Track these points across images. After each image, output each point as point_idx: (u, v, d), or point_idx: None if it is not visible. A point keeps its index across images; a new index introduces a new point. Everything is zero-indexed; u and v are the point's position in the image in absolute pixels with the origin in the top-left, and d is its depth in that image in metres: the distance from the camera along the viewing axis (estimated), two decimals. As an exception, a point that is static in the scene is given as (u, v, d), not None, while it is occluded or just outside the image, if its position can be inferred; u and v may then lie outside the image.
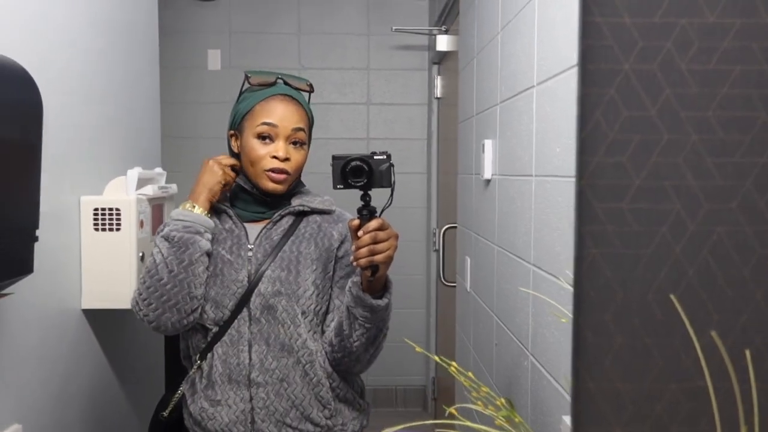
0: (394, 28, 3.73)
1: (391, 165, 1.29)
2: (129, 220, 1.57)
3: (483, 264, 2.13)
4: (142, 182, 1.67)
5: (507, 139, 1.82)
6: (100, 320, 1.68)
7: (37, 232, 1.08)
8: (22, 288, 1.33)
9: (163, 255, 1.33)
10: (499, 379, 1.87)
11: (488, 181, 2.04)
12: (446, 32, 3.34)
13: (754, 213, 0.62)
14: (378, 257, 1.24)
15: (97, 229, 1.57)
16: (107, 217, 1.57)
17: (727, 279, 0.63)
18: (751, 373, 0.56)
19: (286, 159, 1.39)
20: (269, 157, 1.38)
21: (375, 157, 1.28)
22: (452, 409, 0.80)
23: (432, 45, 3.69)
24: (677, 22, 0.61)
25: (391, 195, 1.30)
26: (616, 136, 0.64)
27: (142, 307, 1.33)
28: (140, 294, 1.34)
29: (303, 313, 1.37)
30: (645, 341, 0.64)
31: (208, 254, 1.36)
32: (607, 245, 0.64)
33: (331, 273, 1.43)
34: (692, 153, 0.64)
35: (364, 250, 1.24)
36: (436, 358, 0.84)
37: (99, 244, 1.56)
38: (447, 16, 3.25)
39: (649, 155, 0.64)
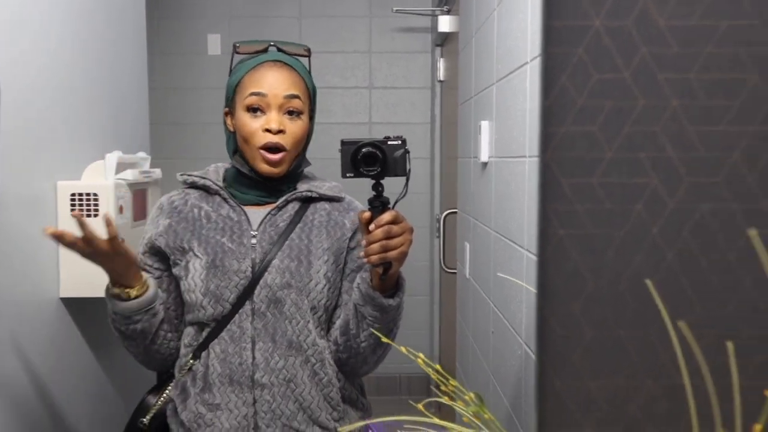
0: (395, 9, 3.64)
1: (407, 151, 1.16)
2: (107, 206, 1.52)
3: (480, 250, 2.07)
4: (123, 166, 1.62)
5: (503, 119, 1.75)
6: (82, 309, 1.64)
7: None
8: (-8, 276, 1.28)
9: (123, 342, 1.31)
10: (495, 369, 1.81)
11: (485, 164, 1.97)
12: (448, 12, 3.25)
13: (742, 188, 0.55)
14: (391, 254, 1.12)
15: (74, 215, 1.52)
16: (84, 202, 1.51)
17: (711, 263, 0.56)
18: (733, 368, 0.49)
19: (280, 131, 1.25)
20: (261, 131, 1.24)
21: (389, 143, 1.15)
22: (420, 405, 0.74)
23: (434, 26, 3.61)
24: (655, -28, 0.54)
25: (406, 184, 1.16)
26: (586, 103, 0.57)
27: (124, 348, 1.33)
28: (119, 338, 1.31)
29: (313, 308, 1.26)
30: (618, 333, 0.58)
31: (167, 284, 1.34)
32: (576, 225, 0.57)
33: (342, 265, 1.32)
34: (672, 120, 0.57)
35: (376, 246, 1.11)
36: (403, 349, 0.78)
37: (77, 230, 1.50)
38: (449, -4, 3.16)
39: (623, 123, 0.58)
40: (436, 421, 0.72)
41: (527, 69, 1.47)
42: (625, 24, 0.54)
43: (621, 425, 0.56)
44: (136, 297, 1.23)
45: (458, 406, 0.71)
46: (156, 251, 1.31)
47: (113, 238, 1.15)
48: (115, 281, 1.22)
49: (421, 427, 0.72)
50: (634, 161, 0.56)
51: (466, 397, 0.71)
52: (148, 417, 1.32)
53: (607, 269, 0.57)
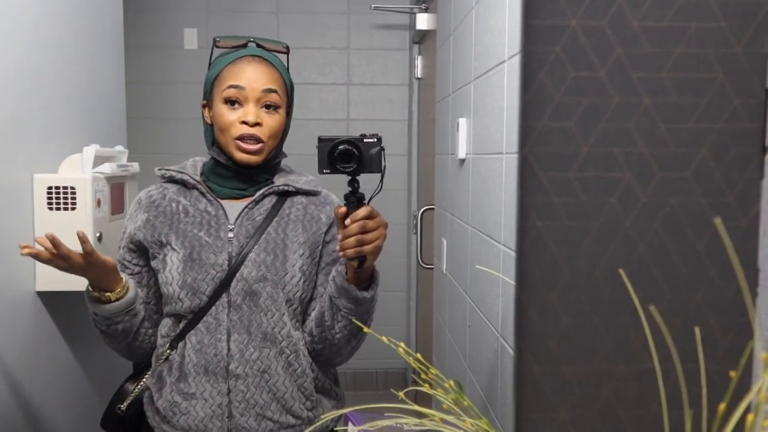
0: (373, 6, 3.65)
1: (382, 149, 1.19)
2: (85, 199, 1.51)
3: (457, 245, 2.10)
4: (100, 160, 1.61)
5: (480, 117, 1.77)
6: (58, 303, 1.63)
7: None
8: (-32, 269, 1.27)
9: (104, 339, 1.32)
10: (471, 362, 1.84)
11: (463, 161, 1.99)
12: (426, 10, 3.27)
13: (709, 183, 0.58)
14: (366, 248, 1.16)
15: (51, 208, 1.51)
16: (62, 195, 1.50)
17: (680, 254, 0.59)
18: (700, 353, 0.51)
19: (257, 124, 1.26)
20: (238, 123, 1.26)
21: (365, 140, 1.18)
22: (401, 394, 0.76)
23: (412, 24, 3.63)
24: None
25: (381, 181, 1.21)
26: (562, 99, 0.59)
27: (106, 344, 1.34)
28: (101, 336, 1.31)
29: (288, 301, 1.29)
30: (592, 321, 0.60)
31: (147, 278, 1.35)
32: (553, 217, 0.59)
33: (317, 258, 1.34)
34: (644, 117, 0.59)
35: (351, 240, 1.15)
36: (385, 339, 0.79)
37: (53, 223, 1.49)
38: (427, -6, 3.18)
39: (598, 120, 0.60)
40: (417, 408, 0.74)
41: (505, 67, 1.50)
42: (600, 24, 0.57)
43: (594, 408, 0.59)
44: (116, 300, 1.24)
45: (438, 394, 0.73)
46: (136, 246, 1.32)
47: (89, 254, 1.16)
48: (94, 285, 1.23)
49: (401, 414, 0.74)
50: (609, 156, 0.58)
51: (446, 385, 0.72)
52: (125, 404, 1.35)
53: (583, 260, 0.59)
